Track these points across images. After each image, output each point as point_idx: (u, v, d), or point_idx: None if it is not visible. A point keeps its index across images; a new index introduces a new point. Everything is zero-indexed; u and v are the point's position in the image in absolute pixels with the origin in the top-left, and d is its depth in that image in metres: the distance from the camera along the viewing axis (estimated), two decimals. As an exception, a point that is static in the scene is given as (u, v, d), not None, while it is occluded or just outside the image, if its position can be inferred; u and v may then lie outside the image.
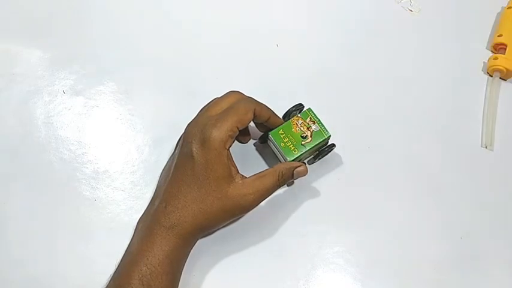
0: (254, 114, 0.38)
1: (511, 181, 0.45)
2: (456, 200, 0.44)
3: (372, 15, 0.53)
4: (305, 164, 0.41)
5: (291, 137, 0.40)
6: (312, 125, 0.40)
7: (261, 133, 0.43)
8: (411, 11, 0.54)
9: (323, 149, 0.42)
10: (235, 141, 0.44)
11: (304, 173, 0.39)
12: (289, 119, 0.41)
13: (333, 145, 0.42)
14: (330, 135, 0.40)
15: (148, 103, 0.46)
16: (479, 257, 0.42)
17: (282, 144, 0.40)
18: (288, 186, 0.43)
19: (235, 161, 0.40)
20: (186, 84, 0.47)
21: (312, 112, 0.41)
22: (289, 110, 0.42)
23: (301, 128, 0.40)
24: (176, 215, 0.35)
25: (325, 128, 0.40)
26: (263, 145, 0.45)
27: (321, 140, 0.40)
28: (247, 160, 0.44)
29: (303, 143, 0.40)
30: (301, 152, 0.39)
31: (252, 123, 0.41)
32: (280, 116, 0.42)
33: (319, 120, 0.41)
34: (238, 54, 0.49)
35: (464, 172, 0.45)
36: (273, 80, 0.48)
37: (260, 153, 0.45)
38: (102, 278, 0.36)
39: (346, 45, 0.51)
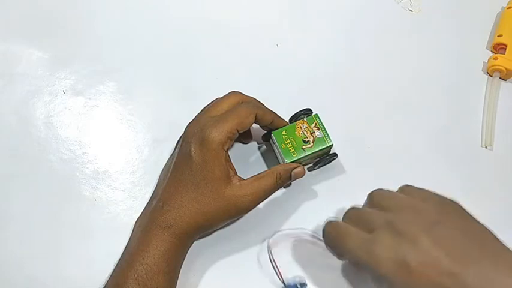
0: (256, 117, 0.38)
1: (511, 181, 0.45)
2: (456, 199, 0.44)
3: (371, 15, 0.53)
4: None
5: (292, 139, 0.40)
6: (315, 131, 0.40)
7: (265, 132, 0.43)
8: (411, 11, 0.54)
9: (324, 157, 0.42)
10: (237, 142, 0.44)
11: (302, 174, 0.38)
12: (295, 121, 0.41)
13: (335, 155, 0.42)
14: (332, 144, 0.40)
15: (148, 103, 0.46)
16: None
17: (283, 146, 0.40)
18: (284, 188, 0.43)
19: (236, 161, 0.40)
20: (186, 84, 0.47)
21: (318, 118, 0.41)
22: (296, 113, 0.42)
23: (305, 133, 0.40)
24: (172, 215, 0.35)
25: (328, 136, 0.40)
26: (264, 147, 0.45)
27: (322, 147, 0.40)
28: (248, 161, 0.44)
29: (303, 147, 0.39)
30: (300, 156, 0.39)
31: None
32: (288, 116, 0.42)
33: (323, 127, 0.40)
34: (238, 54, 0.49)
35: (464, 172, 0.45)
36: (273, 79, 0.48)
37: (261, 155, 0.45)
38: (101, 277, 0.36)
39: (346, 46, 0.51)
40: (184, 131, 0.39)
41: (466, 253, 0.27)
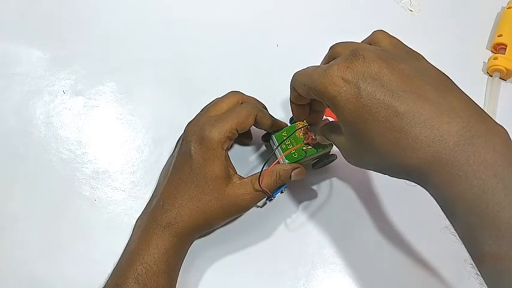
0: (255, 119, 0.38)
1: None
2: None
3: (371, 15, 0.53)
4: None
5: (293, 140, 0.40)
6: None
7: (265, 132, 0.43)
8: (411, 11, 0.54)
9: (323, 158, 0.42)
10: (237, 143, 0.44)
11: (302, 175, 0.38)
12: (295, 122, 0.41)
13: (335, 156, 0.42)
14: (332, 146, 0.40)
15: (148, 103, 0.46)
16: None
17: (283, 147, 0.39)
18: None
19: (236, 161, 0.40)
20: (186, 84, 0.47)
21: None
22: None
23: (305, 134, 0.40)
24: (173, 214, 0.35)
25: None
26: (264, 147, 0.45)
27: (323, 149, 0.40)
28: (248, 161, 0.44)
29: (304, 148, 0.39)
30: (301, 157, 0.39)
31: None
32: (288, 117, 0.42)
33: None
34: (238, 54, 0.49)
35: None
36: (273, 79, 0.48)
37: (261, 155, 0.45)
38: (101, 278, 0.36)
39: (346, 45, 0.51)
40: (184, 130, 0.39)
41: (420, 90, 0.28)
